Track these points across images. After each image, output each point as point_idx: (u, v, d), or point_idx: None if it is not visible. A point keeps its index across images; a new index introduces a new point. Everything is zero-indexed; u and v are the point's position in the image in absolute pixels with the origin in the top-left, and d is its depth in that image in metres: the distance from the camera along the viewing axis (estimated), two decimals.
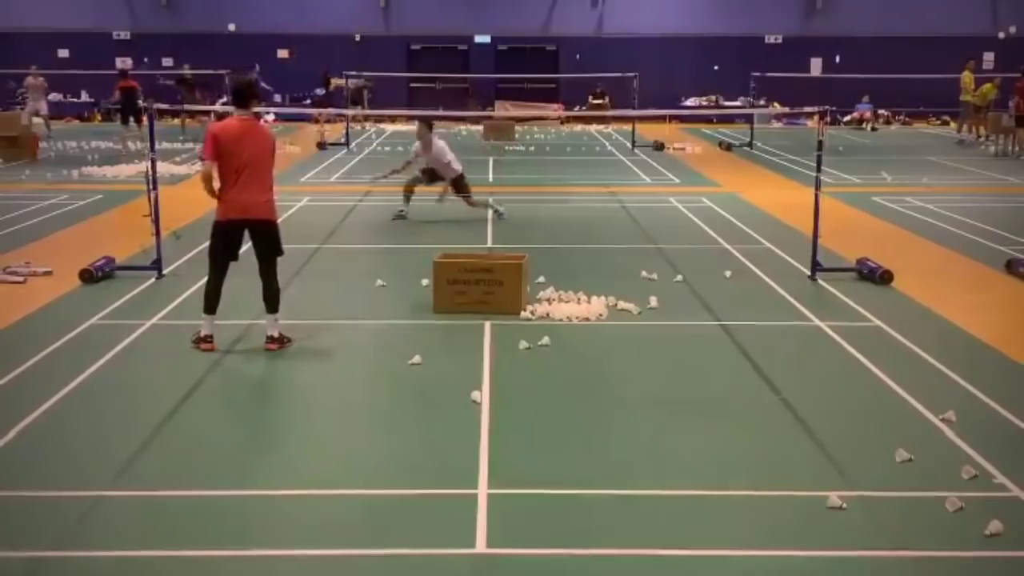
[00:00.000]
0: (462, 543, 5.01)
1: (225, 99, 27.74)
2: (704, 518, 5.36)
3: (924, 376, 7.62)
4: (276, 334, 8.16)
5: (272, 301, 8.16)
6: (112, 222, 14.22)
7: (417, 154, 14.10)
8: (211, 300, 8.11)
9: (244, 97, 8.16)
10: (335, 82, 31.47)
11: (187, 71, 30.73)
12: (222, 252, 8.16)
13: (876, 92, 33.76)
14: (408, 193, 14.13)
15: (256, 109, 8.40)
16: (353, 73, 29.87)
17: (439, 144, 14.01)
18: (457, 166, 14.05)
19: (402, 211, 14.10)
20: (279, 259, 8.28)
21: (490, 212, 14.21)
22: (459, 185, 14.11)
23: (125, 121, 24.64)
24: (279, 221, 8.30)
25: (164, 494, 5.57)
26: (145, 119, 23.15)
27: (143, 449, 6.17)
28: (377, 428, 6.79)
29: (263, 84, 26.69)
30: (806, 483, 5.72)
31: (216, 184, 8.08)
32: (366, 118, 31.44)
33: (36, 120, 25.63)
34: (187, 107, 25.31)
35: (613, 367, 7.99)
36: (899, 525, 5.24)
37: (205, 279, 8.28)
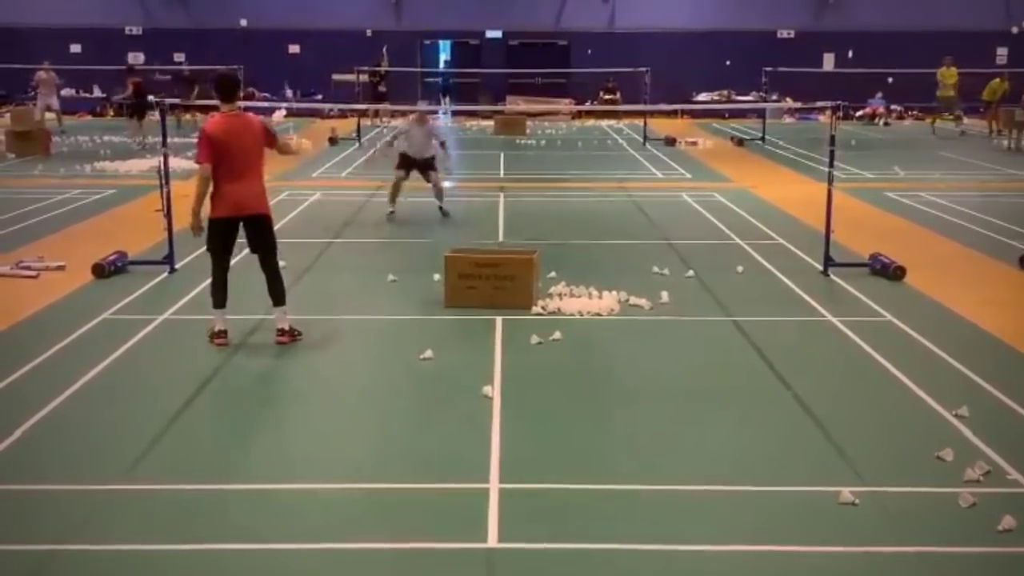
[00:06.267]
0: (473, 537, 5.02)
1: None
2: (715, 513, 5.36)
3: (937, 372, 7.59)
4: (286, 327, 8.17)
5: (277, 294, 8.16)
6: (125, 217, 14.26)
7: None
8: (218, 294, 8.12)
9: (228, 91, 8.07)
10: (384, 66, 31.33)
11: (185, 67, 30.78)
12: (221, 247, 8.14)
13: (889, 87, 33.61)
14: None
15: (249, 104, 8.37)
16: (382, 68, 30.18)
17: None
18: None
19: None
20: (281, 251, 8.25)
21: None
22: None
23: (138, 117, 24.59)
24: (273, 216, 8.29)
25: (176, 488, 5.59)
26: (150, 116, 23.39)
27: (155, 443, 6.19)
28: (388, 422, 6.79)
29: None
30: (818, 478, 5.71)
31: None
32: (376, 113, 31.43)
33: (48, 115, 25.68)
34: (185, 103, 25.13)
35: (624, 362, 7.97)
36: (911, 521, 5.23)
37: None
